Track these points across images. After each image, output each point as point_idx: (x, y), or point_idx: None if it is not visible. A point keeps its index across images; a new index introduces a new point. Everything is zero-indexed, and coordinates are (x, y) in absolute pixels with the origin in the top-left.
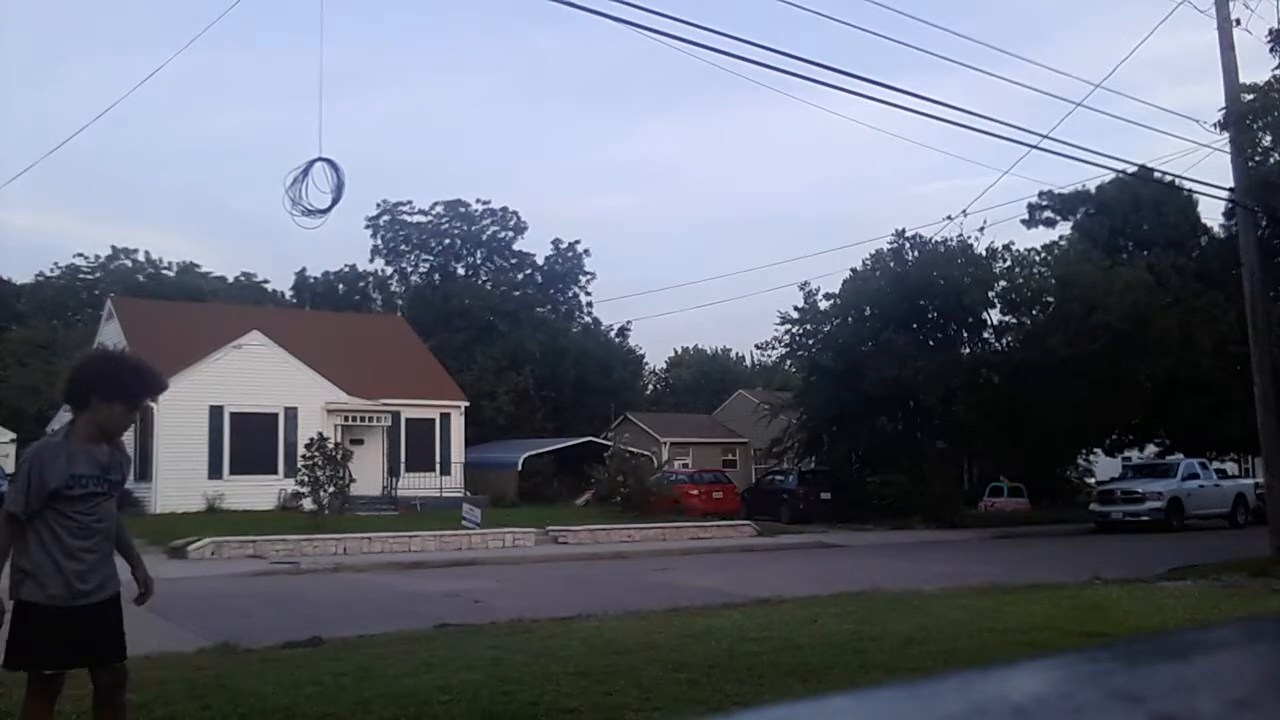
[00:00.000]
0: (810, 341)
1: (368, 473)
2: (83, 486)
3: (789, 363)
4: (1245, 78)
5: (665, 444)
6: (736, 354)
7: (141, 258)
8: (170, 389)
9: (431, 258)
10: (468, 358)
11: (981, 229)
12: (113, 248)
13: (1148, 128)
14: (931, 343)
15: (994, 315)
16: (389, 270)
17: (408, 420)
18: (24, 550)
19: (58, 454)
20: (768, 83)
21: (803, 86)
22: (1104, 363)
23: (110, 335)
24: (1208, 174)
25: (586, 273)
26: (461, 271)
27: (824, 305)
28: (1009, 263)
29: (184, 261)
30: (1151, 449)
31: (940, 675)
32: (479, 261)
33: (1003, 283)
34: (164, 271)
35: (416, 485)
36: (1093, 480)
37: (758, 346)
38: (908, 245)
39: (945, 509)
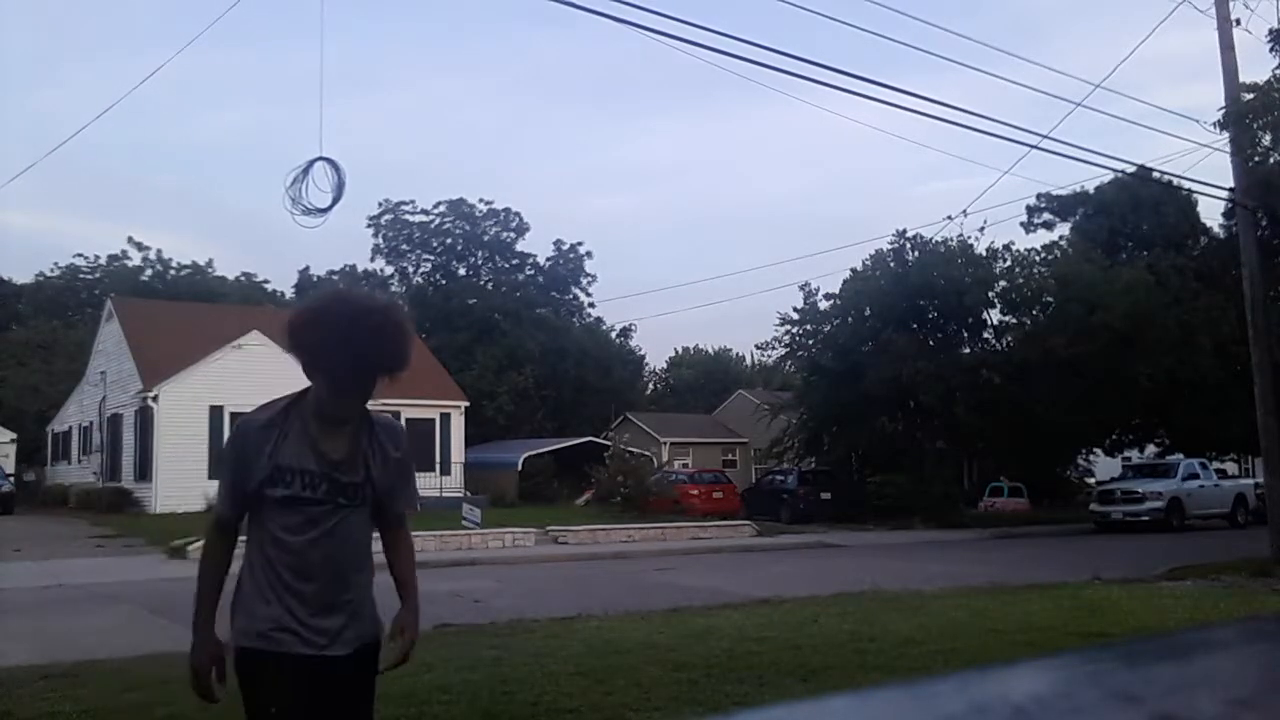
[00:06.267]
0: (810, 342)
1: None
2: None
3: (789, 363)
4: (1245, 77)
5: (665, 444)
6: (736, 354)
7: (154, 255)
8: (170, 389)
9: (433, 257)
10: (468, 358)
11: (982, 229)
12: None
13: (1148, 128)
14: (931, 343)
15: (994, 315)
16: (390, 270)
17: (408, 420)
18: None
19: None
20: (768, 83)
21: (803, 86)
22: (1104, 363)
23: (110, 335)
24: (1208, 174)
25: (588, 274)
26: (463, 272)
27: (824, 305)
28: (1009, 263)
29: (186, 261)
30: (1151, 449)
31: (940, 675)
32: (480, 262)
33: (1003, 283)
34: (166, 271)
35: (416, 485)
36: (1093, 480)
37: (758, 346)
38: (908, 245)
39: (945, 509)
